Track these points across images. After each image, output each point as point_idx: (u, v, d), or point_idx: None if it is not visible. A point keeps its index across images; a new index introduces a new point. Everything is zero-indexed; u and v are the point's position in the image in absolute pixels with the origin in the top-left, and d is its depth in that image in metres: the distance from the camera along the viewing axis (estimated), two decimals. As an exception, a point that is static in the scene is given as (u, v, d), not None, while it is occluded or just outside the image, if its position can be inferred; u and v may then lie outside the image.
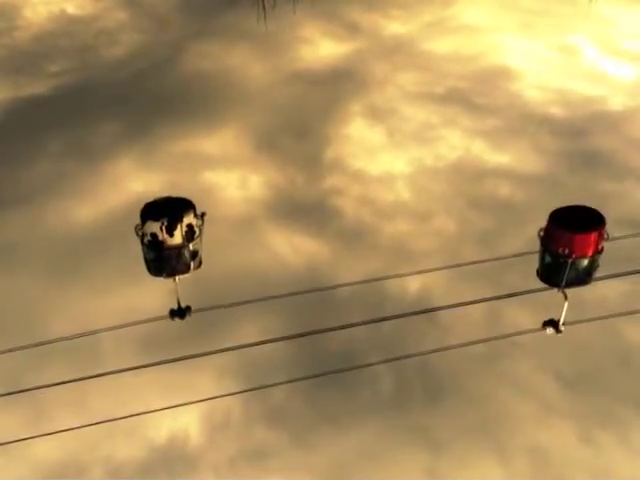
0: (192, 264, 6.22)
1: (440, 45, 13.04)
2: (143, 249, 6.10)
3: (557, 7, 13.84)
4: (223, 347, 6.78)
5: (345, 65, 12.76)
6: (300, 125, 11.44)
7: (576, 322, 6.25)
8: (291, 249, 9.35)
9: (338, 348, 7.73)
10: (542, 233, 5.97)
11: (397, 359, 7.33)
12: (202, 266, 6.32)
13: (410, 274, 8.04)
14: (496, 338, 7.29)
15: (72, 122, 11.71)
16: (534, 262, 7.69)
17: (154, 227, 5.93)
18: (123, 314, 8.15)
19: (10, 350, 6.30)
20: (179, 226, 5.99)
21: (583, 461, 6.89)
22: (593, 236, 5.87)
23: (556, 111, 11.45)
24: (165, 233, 5.96)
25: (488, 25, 13.56)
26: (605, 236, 5.95)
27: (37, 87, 12.56)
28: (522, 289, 7.58)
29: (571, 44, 12.99)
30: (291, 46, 13.37)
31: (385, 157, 10.82)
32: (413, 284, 8.36)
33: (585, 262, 5.96)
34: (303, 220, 9.75)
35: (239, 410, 7.42)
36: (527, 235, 9.04)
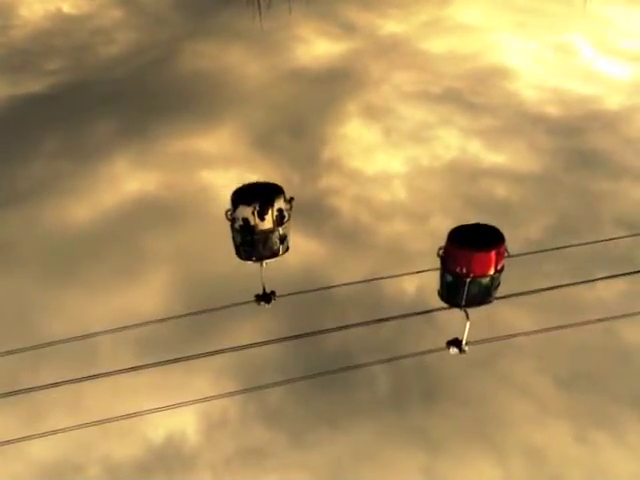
0: (281, 248, 6.33)
1: (436, 44, 13.05)
2: (233, 234, 6.21)
3: (553, 7, 13.86)
4: (220, 348, 6.80)
5: (341, 64, 12.76)
6: (296, 124, 11.44)
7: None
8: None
9: (335, 349, 7.73)
10: (441, 252, 5.87)
11: (394, 359, 7.34)
12: (283, 254, 6.36)
13: (407, 274, 8.04)
14: (493, 339, 7.30)
15: (68, 121, 11.70)
16: (531, 262, 7.73)
17: (246, 212, 6.08)
18: (119, 314, 8.17)
19: (8, 352, 6.31)
20: (270, 211, 6.13)
21: (579, 460, 6.91)
22: (492, 255, 5.76)
23: (552, 110, 11.46)
24: (257, 218, 6.10)
25: (484, 25, 13.57)
26: (506, 254, 5.86)
27: (33, 85, 12.54)
28: (519, 290, 7.61)
29: (567, 43, 13.00)
30: (287, 45, 13.37)
31: (381, 156, 10.83)
32: (410, 284, 8.36)
33: (485, 281, 5.85)
34: (300, 219, 9.72)
35: (236, 410, 7.43)
36: (524, 235, 9.07)
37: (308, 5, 14.36)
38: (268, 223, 6.16)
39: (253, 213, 6.09)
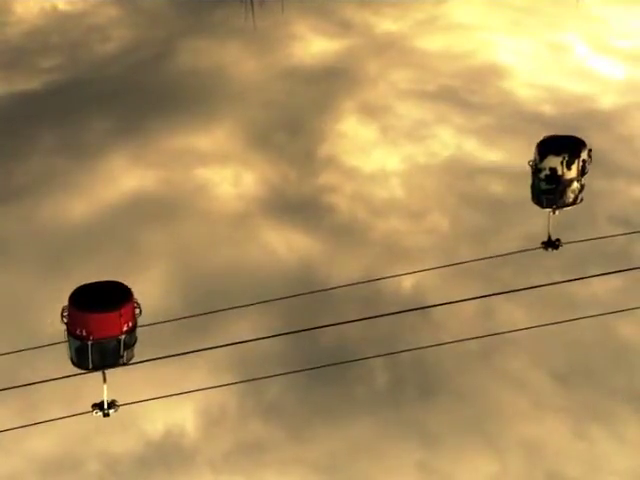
0: (579, 198, 6.80)
1: (432, 43, 13.08)
2: (536, 182, 6.75)
3: (547, 5, 13.90)
4: (217, 344, 6.84)
5: (337, 62, 12.79)
6: (293, 122, 11.47)
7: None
8: (285, 246, 9.39)
9: (332, 344, 7.77)
10: (65, 317, 5.58)
11: (391, 354, 7.39)
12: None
13: (404, 274, 8.11)
14: (489, 335, 7.36)
15: (64, 118, 11.70)
16: (527, 259, 7.79)
17: (554, 162, 6.55)
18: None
19: (7, 353, 6.32)
20: (576, 161, 6.59)
21: (576, 455, 6.96)
22: (114, 316, 5.53)
23: (547, 109, 11.52)
24: (565, 167, 6.52)
25: (479, 23, 13.61)
26: (138, 312, 5.66)
27: (29, 83, 12.53)
28: (515, 286, 7.67)
29: (562, 42, 13.05)
30: (282, 43, 13.38)
31: (378, 154, 10.87)
32: (407, 281, 8.41)
33: (112, 343, 5.60)
34: (297, 217, 9.79)
35: (234, 405, 7.46)
36: (520, 232, 9.13)
37: (303, 3, 14.38)
38: (573, 173, 6.58)
39: (562, 163, 6.52)
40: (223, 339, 6.99)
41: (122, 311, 5.59)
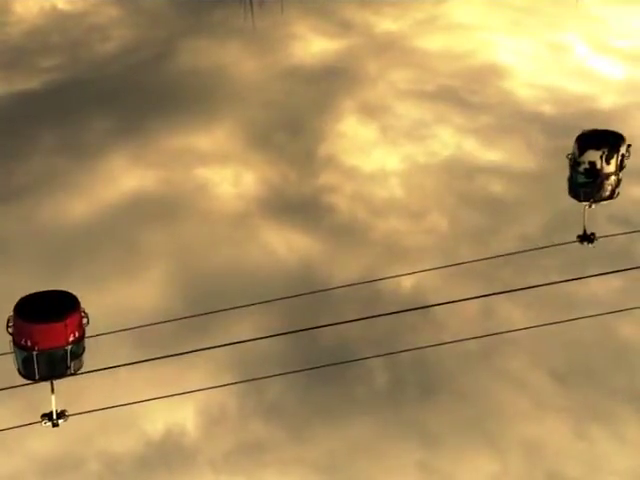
0: (615, 192, 6.92)
1: (432, 43, 13.09)
2: (574, 175, 6.83)
3: (547, 5, 13.91)
4: (217, 344, 6.84)
5: (337, 62, 12.79)
6: (293, 122, 11.47)
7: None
8: (284, 245, 9.40)
9: (332, 344, 7.78)
10: (11, 327, 5.53)
11: (391, 354, 7.39)
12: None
13: (404, 274, 8.12)
14: (489, 335, 7.36)
15: (64, 118, 11.70)
16: (526, 259, 7.79)
17: (594, 156, 6.69)
18: (116, 309, 8.19)
19: (6, 353, 6.30)
20: (615, 156, 6.71)
21: (576, 454, 6.96)
22: (59, 326, 5.47)
23: (547, 109, 11.52)
24: (604, 161, 6.65)
25: (479, 23, 13.62)
26: (85, 321, 5.60)
27: (29, 83, 12.54)
28: (515, 286, 7.67)
29: (561, 42, 13.06)
30: (281, 43, 13.39)
31: (378, 154, 10.87)
32: (407, 281, 8.41)
33: (59, 353, 5.55)
34: (296, 216, 9.80)
35: (235, 405, 7.46)
36: (519, 232, 9.14)
37: (302, 3, 14.38)
38: (611, 167, 6.69)
39: (601, 157, 6.64)
40: (223, 339, 7.00)
41: (68, 321, 5.56)
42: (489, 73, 12.34)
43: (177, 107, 11.77)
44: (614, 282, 7.97)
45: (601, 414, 7.20)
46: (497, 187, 10.11)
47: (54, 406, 5.76)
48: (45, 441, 6.91)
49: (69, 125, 11.56)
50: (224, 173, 10.61)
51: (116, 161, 10.88)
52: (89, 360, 6.81)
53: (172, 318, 7.31)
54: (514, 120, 11.31)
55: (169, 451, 7.15)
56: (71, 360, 5.65)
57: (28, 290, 7.96)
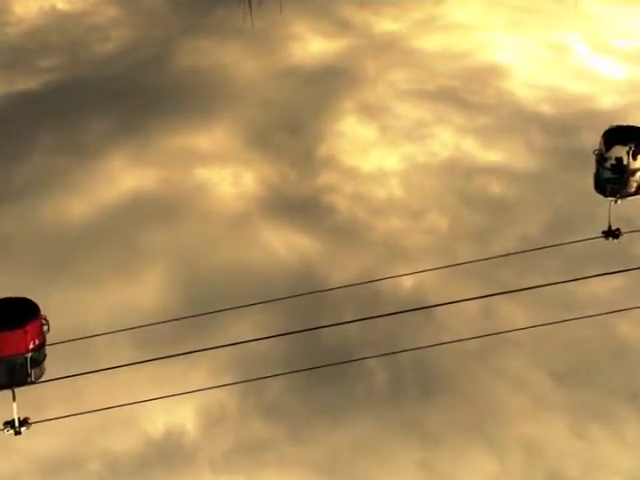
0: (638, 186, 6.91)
1: (431, 43, 13.10)
2: (600, 171, 6.92)
3: (547, 5, 13.91)
4: (218, 344, 6.85)
5: (336, 62, 12.80)
6: (293, 122, 11.48)
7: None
8: (285, 246, 9.40)
9: (332, 344, 7.78)
10: None
11: (391, 354, 7.40)
12: None
13: (404, 274, 8.12)
14: (489, 335, 7.37)
15: (64, 118, 11.71)
16: (526, 259, 7.80)
17: (621, 151, 6.78)
18: (116, 309, 8.20)
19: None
20: None
21: (576, 454, 6.97)
22: (19, 333, 5.47)
23: (546, 109, 11.52)
24: (630, 157, 6.72)
25: (478, 23, 13.62)
26: (46, 328, 5.59)
27: (28, 83, 12.54)
28: (515, 286, 7.68)
29: (561, 42, 13.06)
30: (281, 43, 13.39)
31: (377, 154, 10.88)
32: (407, 281, 8.42)
33: (19, 361, 5.53)
34: (296, 217, 9.80)
35: (235, 405, 7.46)
36: (519, 232, 9.14)
37: (301, 3, 14.39)
38: (638, 163, 6.76)
39: (628, 152, 6.69)
40: (223, 339, 7.01)
41: (27, 328, 5.54)
42: (488, 73, 12.35)
43: (177, 107, 11.77)
44: (614, 282, 7.98)
45: (601, 414, 7.20)
46: (497, 187, 10.11)
47: (16, 414, 5.72)
48: (44, 441, 6.92)
49: (68, 125, 11.56)
50: (224, 173, 10.62)
51: (116, 161, 10.88)
52: (89, 360, 6.83)
53: (172, 318, 7.32)
54: (514, 120, 11.31)
55: (169, 451, 7.16)
56: (32, 368, 5.61)
57: (28, 290, 7.97)
